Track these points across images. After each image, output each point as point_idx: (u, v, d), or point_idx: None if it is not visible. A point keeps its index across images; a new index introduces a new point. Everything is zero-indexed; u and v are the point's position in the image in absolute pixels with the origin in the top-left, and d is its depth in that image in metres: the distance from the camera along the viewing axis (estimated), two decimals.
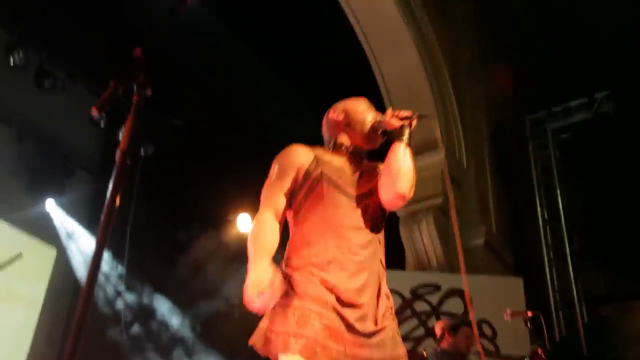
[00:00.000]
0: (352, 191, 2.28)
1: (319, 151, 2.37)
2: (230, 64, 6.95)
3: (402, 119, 2.30)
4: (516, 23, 6.94)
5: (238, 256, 6.77)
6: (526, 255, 6.36)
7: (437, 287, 5.21)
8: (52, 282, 6.97)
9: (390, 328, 2.12)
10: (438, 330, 4.10)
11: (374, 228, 2.26)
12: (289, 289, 2.07)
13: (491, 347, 5.05)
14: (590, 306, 5.95)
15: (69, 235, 7.25)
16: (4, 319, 6.43)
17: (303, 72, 6.53)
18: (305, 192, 2.25)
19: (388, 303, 2.19)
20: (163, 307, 7.47)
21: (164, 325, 7.48)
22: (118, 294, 7.15)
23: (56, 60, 6.90)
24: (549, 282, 6.18)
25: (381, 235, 2.30)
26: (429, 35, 5.92)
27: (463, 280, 2.46)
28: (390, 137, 2.36)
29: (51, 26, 6.40)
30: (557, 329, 5.87)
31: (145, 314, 7.34)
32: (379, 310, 2.12)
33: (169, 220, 7.42)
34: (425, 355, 4.10)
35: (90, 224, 7.30)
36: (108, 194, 1.50)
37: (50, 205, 7.13)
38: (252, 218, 2.30)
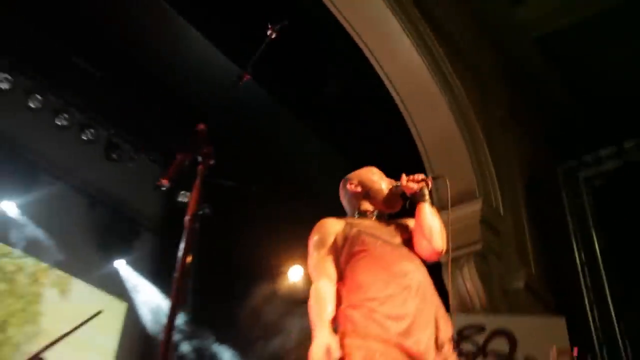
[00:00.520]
0: (392, 240, 2.33)
1: (348, 219, 2.46)
2: (279, 132, 7.15)
3: (418, 182, 2.36)
4: (544, 80, 6.97)
5: (290, 304, 6.79)
6: (567, 297, 6.21)
7: (481, 328, 5.12)
8: (123, 333, 7.14)
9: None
10: None
11: (420, 269, 2.29)
12: (350, 329, 2.09)
13: None
14: (633, 345, 5.74)
15: (137, 290, 7.43)
16: None
17: (347, 139, 6.67)
18: (348, 249, 2.31)
19: (449, 335, 2.19)
20: (225, 354, 7.51)
21: None
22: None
23: (123, 134, 7.23)
24: (590, 322, 5.99)
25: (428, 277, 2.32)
26: (462, 98, 6.01)
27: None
28: (411, 200, 2.41)
29: (118, 105, 6.74)
30: None
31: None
32: (439, 340, 2.12)
33: (226, 274, 7.52)
34: None
35: (155, 278, 7.48)
36: (179, 255, 1.59)
37: (120, 264, 7.35)
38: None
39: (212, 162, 1.76)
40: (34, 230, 6.44)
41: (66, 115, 6.70)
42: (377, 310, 2.09)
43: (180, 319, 7.26)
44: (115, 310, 7.12)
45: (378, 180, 2.52)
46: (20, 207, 6.42)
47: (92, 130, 6.90)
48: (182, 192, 7.52)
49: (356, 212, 2.49)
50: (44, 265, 6.56)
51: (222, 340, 7.52)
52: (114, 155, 7.15)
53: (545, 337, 4.83)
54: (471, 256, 5.51)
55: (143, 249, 7.62)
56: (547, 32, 6.56)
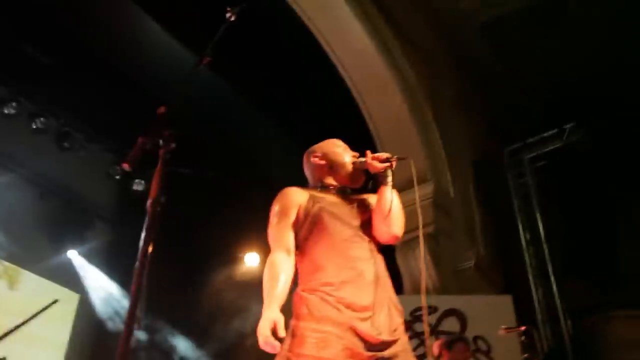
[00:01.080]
0: (351, 221, 2.32)
1: (311, 191, 2.41)
2: (234, 120, 7.07)
3: (382, 161, 2.36)
4: (490, 65, 7.11)
5: (247, 290, 6.76)
6: (513, 275, 6.40)
7: (434, 309, 5.22)
8: (75, 325, 6.98)
9: (402, 342, 2.14)
10: (435, 349, 4.11)
11: (375, 253, 2.30)
12: (306, 312, 2.08)
13: None
14: (574, 319, 5.96)
15: (90, 281, 7.27)
16: None
17: (299, 121, 6.65)
18: (309, 226, 2.28)
19: (400, 318, 2.20)
20: (181, 344, 7.44)
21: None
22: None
23: (75, 123, 7.02)
24: (535, 298, 6.19)
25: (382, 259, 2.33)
26: (412, 82, 6.07)
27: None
28: (373, 179, 2.41)
29: (69, 93, 6.53)
30: (545, 341, 5.86)
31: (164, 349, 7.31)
32: (392, 323, 2.14)
33: (183, 261, 7.44)
34: None
35: (110, 268, 7.33)
36: (141, 242, 1.54)
37: (72, 255, 7.17)
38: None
39: (173, 145, 1.71)
40: None
41: (14, 104, 6.45)
42: (332, 295, 2.08)
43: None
44: (67, 302, 6.93)
45: (342, 152, 2.49)
46: None
47: (42, 119, 6.67)
48: (137, 180, 7.37)
49: (319, 185, 2.46)
50: None
51: (178, 329, 7.44)
52: (66, 144, 6.93)
53: (494, 316, 4.97)
54: (423, 238, 5.59)
55: (97, 239, 7.43)
56: (492, 18, 6.69)
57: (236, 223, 7.09)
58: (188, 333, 7.50)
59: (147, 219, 1.59)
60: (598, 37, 6.59)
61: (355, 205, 2.39)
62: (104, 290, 7.27)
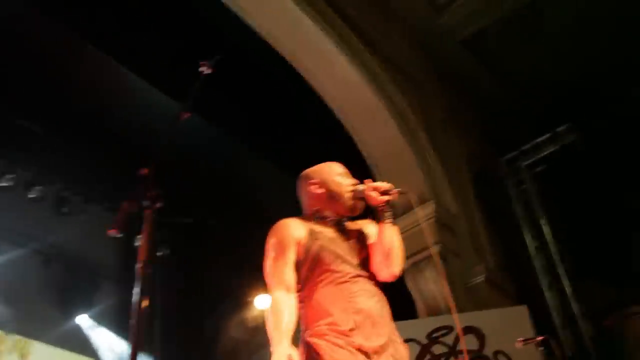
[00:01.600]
0: (352, 259, 2.30)
1: (307, 223, 2.34)
2: (229, 164, 7.11)
3: (382, 193, 2.31)
4: (476, 79, 7.18)
5: (261, 332, 6.70)
6: (525, 285, 6.34)
7: (450, 329, 5.16)
8: None
9: None
10: None
11: (377, 290, 2.29)
12: (316, 357, 2.04)
13: None
14: (592, 320, 5.89)
15: (101, 343, 7.22)
16: None
17: (294, 156, 6.66)
18: (309, 265, 2.24)
19: (406, 351, 2.21)
20: None
21: None
22: None
23: (71, 187, 7.06)
24: (550, 305, 6.12)
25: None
26: (402, 106, 6.12)
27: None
28: (372, 212, 2.37)
29: (62, 157, 6.58)
30: (567, 347, 5.78)
31: None
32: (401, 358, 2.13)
33: (193, 310, 7.40)
34: None
35: (119, 329, 7.29)
36: (135, 303, 1.55)
37: (82, 319, 7.14)
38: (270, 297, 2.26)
39: (159, 205, 1.72)
40: None
41: (10, 176, 6.48)
42: (342, 339, 2.06)
43: None
44: None
45: (342, 182, 2.41)
46: None
47: (39, 187, 6.70)
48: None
49: (316, 215, 2.40)
50: (0, 332, 6.32)
51: None
52: (65, 209, 6.95)
53: (511, 328, 4.91)
54: (431, 259, 5.56)
55: (105, 300, 7.41)
56: (471, 34, 6.79)
57: (244, 264, 7.07)
58: None
59: (138, 281, 1.59)
60: (577, 40, 6.68)
61: (354, 240, 2.36)
62: (114, 351, 7.21)
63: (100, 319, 7.21)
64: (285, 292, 2.18)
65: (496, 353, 4.98)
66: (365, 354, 2.05)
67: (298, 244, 2.25)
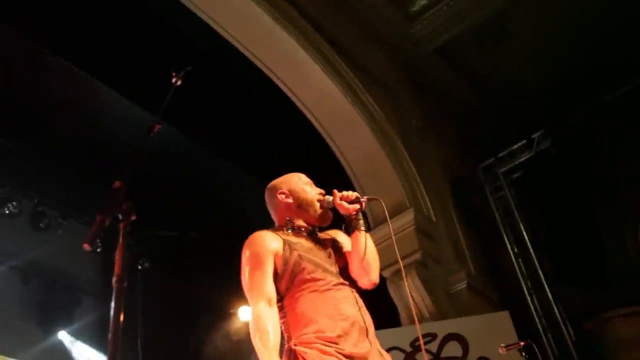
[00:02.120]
0: (331, 268, 2.28)
1: (282, 234, 2.32)
2: (206, 173, 7.05)
3: (351, 202, 2.30)
4: (451, 87, 7.22)
5: (244, 343, 6.63)
6: (507, 290, 6.36)
7: (434, 336, 5.14)
8: None
9: None
10: None
11: (359, 297, 2.28)
12: None
13: None
14: (573, 324, 5.92)
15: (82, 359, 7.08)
16: None
17: (272, 167, 6.62)
18: (289, 276, 2.20)
19: (389, 358, 2.21)
20: None
21: None
22: None
23: (47, 202, 6.94)
24: (532, 309, 6.15)
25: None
26: (378, 115, 6.13)
27: None
28: (344, 221, 2.35)
29: (37, 172, 6.47)
30: (550, 350, 5.80)
31: None
32: None
33: (176, 324, 7.30)
34: None
35: (100, 345, 7.16)
36: (111, 317, 1.50)
37: (63, 335, 7.00)
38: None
39: (133, 217, 1.67)
40: None
41: None
42: (330, 346, 2.04)
43: None
44: None
45: (309, 190, 2.41)
46: None
47: (13, 203, 6.58)
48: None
49: (289, 226, 2.37)
50: None
51: None
52: (41, 225, 6.82)
53: (494, 334, 4.91)
54: (412, 266, 5.55)
55: (86, 315, 7.27)
56: (444, 42, 6.84)
57: (226, 276, 7.00)
58: None
59: (113, 295, 1.54)
60: (547, 47, 6.76)
61: (330, 249, 2.35)
62: None
63: (80, 335, 7.08)
64: (267, 305, 2.13)
65: (480, 359, 4.97)
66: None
67: (275, 255, 2.21)
